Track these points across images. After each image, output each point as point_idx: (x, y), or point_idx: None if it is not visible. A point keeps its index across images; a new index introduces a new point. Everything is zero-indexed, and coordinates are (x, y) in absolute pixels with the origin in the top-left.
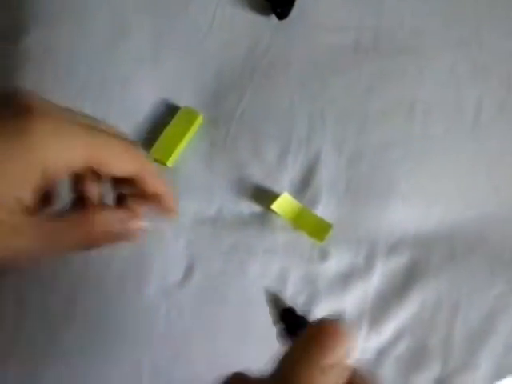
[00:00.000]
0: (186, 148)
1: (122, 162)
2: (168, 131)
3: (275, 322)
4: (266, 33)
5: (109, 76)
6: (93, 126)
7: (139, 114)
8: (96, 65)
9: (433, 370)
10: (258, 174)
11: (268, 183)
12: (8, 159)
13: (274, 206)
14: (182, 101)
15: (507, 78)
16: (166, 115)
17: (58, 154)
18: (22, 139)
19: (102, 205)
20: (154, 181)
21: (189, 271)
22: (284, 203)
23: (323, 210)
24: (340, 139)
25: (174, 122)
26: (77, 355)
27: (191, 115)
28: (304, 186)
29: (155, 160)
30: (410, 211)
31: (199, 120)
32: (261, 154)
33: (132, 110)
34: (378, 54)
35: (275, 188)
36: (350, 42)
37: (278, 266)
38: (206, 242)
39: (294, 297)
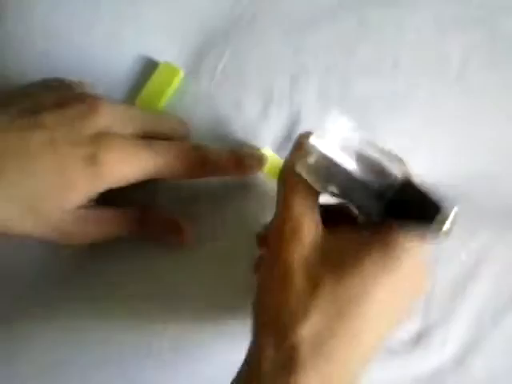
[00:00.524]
0: (167, 104)
1: (179, 174)
2: (148, 87)
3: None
4: None
5: (89, 30)
6: (149, 144)
7: (121, 71)
8: (77, 18)
9: (413, 325)
10: (240, 129)
11: (250, 138)
12: (75, 184)
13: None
14: (164, 56)
15: (493, 30)
16: (148, 71)
17: (120, 179)
18: (92, 169)
19: None
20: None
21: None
22: (270, 161)
23: None
24: (323, 93)
25: (154, 77)
26: None
27: (171, 70)
28: (287, 141)
29: None
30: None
31: (179, 75)
32: (243, 109)
33: (114, 67)
34: (358, 10)
35: (258, 143)
36: None
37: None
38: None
39: None
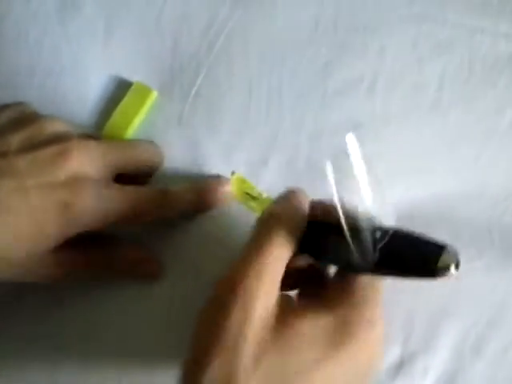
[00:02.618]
0: (140, 126)
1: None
2: (121, 108)
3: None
4: (223, 8)
5: (59, 51)
6: (121, 188)
7: (91, 91)
8: (47, 38)
9: (393, 354)
10: (214, 154)
11: (225, 163)
12: (47, 232)
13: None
14: (136, 77)
15: (469, 55)
16: (120, 92)
17: (93, 225)
18: (64, 216)
19: None
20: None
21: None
22: (237, 183)
23: (281, 189)
24: (298, 117)
25: (127, 98)
26: None
27: (144, 91)
28: (261, 166)
29: (108, 138)
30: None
31: (152, 96)
32: (217, 133)
33: (83, 87)
34: (339, 30)
35: (231, 166)
36: (310, 18)
37: (234, 246)
38: (158, 222)
39: None
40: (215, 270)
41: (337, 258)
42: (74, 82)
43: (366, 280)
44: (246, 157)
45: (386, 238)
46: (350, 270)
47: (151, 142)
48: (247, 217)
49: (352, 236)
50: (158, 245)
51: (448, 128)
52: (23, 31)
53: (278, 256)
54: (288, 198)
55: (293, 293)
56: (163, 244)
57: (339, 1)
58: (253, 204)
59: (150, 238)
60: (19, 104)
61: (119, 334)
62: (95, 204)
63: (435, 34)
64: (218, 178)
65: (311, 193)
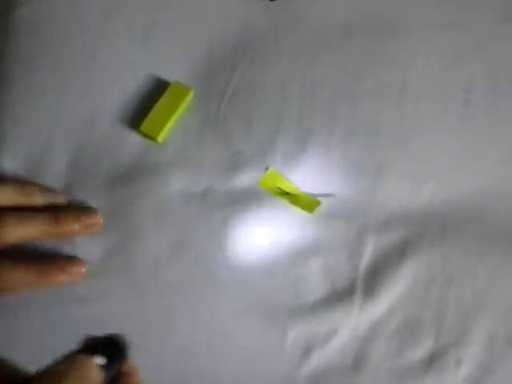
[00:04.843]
0: (176, 124)
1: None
2: (158, 106)
3: None
4: (257, 10)
5: (100, 50)
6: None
7: (130, 89)
8: (87, 39)
9: (425, 346)
10: (249, 151)
11: (259, 160)
12: None
13: (261, 181)
14: (173, 76)
15: (496, 60)
16: (156, 91)
17: None
18: None
19: None
20: None
21: (178, 247)
22: (270, 178)
23: (315, 186)
24: (331, 117)
25: (165, 96)
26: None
27: (182, 90)
28: (295, 163)
29: (145, 135)
30: (402, 188)
31: (190, 95)
32: (252, 131)
33: (122, 85)
34: (369, 34)
35: (266, 164)
36: (341, 21)
37: (269, 240)
38: (195, 218)
39: (286, 268)
40: (254, 266)
41: None
42: (113, 81)
43: None
44: (280, 154)
45: None
46: None
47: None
48: (282, 212)
49: None
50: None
51: (476, 129)
52: (65, 30)
53: None
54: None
55: None
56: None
57: (371, 5)
58: (286, 199)
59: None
60: None
61: None
62: None
63: (463, 41)
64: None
65: (345, 192)
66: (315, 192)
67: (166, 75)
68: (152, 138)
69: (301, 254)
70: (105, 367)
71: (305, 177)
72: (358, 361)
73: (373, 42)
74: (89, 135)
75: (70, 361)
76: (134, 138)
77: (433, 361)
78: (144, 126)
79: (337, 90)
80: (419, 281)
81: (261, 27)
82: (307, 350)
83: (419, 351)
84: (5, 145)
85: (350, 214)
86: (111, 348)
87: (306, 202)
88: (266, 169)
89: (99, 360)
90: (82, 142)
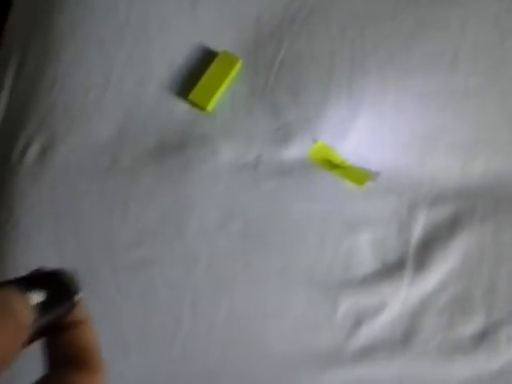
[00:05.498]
0: (224, 93)
1: None
2: (207, 76)
3: None
4: None
5: (148, 19)
6: None
7: (177, 58)
8: (134, 8)
9: (476, 321)
10: (298, 122)
11: (308, 130)
12: None
13: (310, 154)
14: (221, 46)
15: None
16: (205, 60)
17: None
18: None
19: None
20: None
21: (229, 215)
22: (319, 151)
23: (365, 158)
24: (382, 87)
25: (213, 66)
26: (118, 297)
27: (230, 60)
28: (345, 134)
29: (194, 104)
30: (453, 162)
31: (238, 65)
32: (301, 102)
33: (170, 54)
34: (420, 4)
35: (315, 135)
36: None
37: (321, 212)
38: (246, 188)
39: (336, 241)
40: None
41: None
42: (161, 50)
43: None
44: (329, 125)
45: None
46: None
47: None
48: (331, 185)
49: None
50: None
51: None
52: (112, 3)
53: None
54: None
55: None
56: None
57: None
58: (336, 171)
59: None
60: None
61: None
62: None
63: None
64: None
65: (396, 164)
66: (365, 165)
67: (213, 45)
68: (201, 107)
69: (351, 228)
70: (42, 307)
71: (354, 149)
72: (407, 335)
73: (423, 9)
74: (137, 104)
75: None
76: (182, 107)
77: (484, 337)
78: (193, 95)
79: (387, 60)
80: (470, 256)
81: None
82: (357, 323)
83: (470, 327)
84: (56, 105)
85: (401, 187)
86: (56, 285)
87: (356, 175)
88: (315, 141)
89: (34, 297)
90: (130, 111)
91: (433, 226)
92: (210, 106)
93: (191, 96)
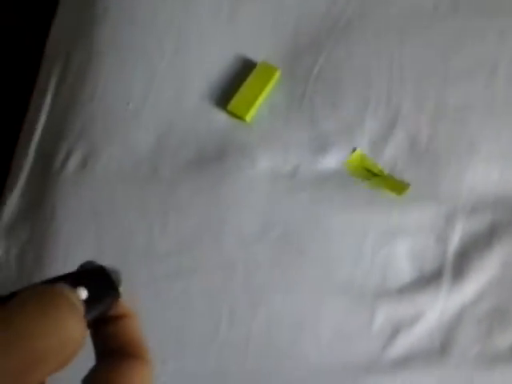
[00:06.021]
0: (263, 103)
1: None
2: (246, 86)
3: None
4: None
5: (186, 30)
6: None
7: (216, 69)
8: (174, 19)
9: None
10: (335, 131)
11: (346, 140)
12: None
13: (348, 163)
14: (259, 56)
15: None
16: (243, 70)
17: None
18: None
19: None
20: None
21: (267, 224)
22: (357, 160)
23: (402, 168)
24: (420, 97)
25: (252, 76)
26: (156, 305)
27: (269, 70)
28: (383, 143)
29: (233, 115)
30: (491, 172)
31: (277, 75)
32: (339, 111)
33: (209, 65)
34: (457, 15)
35: (353, 145)
36: (428, 2)
37: (358, 222)
38: (284, 197)
39: (374, 251)
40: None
41: None
42: (200, 61)
43: None
44: (367, 135)
45: None
46: None
47: None
48: (369, 195)
49: None
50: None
51: None
52: (152, 13)
53: None
54: None
55: None
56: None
57: None
58: (374, 181)
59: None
60: None
61: None
62: None
63: None
64: None
65: (434, 174)
66: (402, 175)
67: (252, 55)
68: (240, 117)
69: (388, 237)
70: (88, 302)
71: (392, 159)
72: (445, 345)
73: (461, 20)
74: (176, 114)
75: (40, 290)
76: (221, 118)
77: None
78: (232, 106)
79: (425, 70)
80: (508, 265)
81: (347, 10)
82: (394, 333)
83: (509, 337)
84: (96, 115)
85: (439, 197)
86: (99, 281)
87: (395, 185)
88: (353, 150)
89: (81, 293)
90: (169, 121)
91: (470, 236)
92: (249, 117)
93: (230, 106)
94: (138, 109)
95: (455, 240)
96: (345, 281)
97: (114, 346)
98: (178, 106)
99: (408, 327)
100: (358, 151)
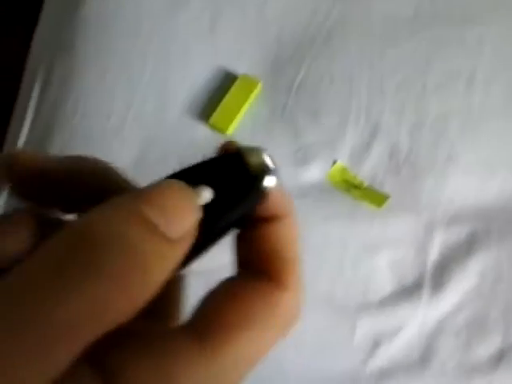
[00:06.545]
0: (245, 116)
1: None
2: (227, 99)
3: None
4: (324, 2)
5: (168, 43)
6: None
7: (197, 82)
8: (155, 31)
9: (494, 342)
10: (317, 143)
11: (327, 152)
12: None
13: (329, 175)
14: (241, 69)
15: None
16: (224, 83)
17: None
18: None
19: None
20: None
21: None
22: (338, 172)
23: (383, 179)
24: (400, 108)
25: (233, 89)
26: None
27: (250, 83)
28: (364, 155)
29: (214, 128)
30: (470, 182)
31: (258, 88)
32: (320, 123)
33: (190, 78)
34: (437, 23)
35: (334, 157)
36: (408, 10)
37: (339, 234)
38: None
39: (355, 264)
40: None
41: None
42: (182, 74)
43: None
44: (347, 147)
45: None
46: None
47: None
48: (350, 207)
49: None
50: None
51: None
52: (135, 26)
53: None
54: None
55: None
56: None
57: None
58: (354, 192)
59: None
60: None
61: None
62: None
63: None
64: None
65: (413, 185)
66: (382, 186)
67: (233, 67)
68: (221, 130)
69: (369, 249)
70: (214, 205)
71: (373, 170)
72: (425, 356)
73: (439, 29)
74: (158, 128)
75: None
76: (203, 131)
77: (502, 358)
78: (213, 120)
79: (405, 80)
80: (487, 276)
81: (328, 21)
82: (375, 345)
83: (488, 348)
84: (78, 130)
85: (419, 208)
86: (233, 173)
87: (375, 197)
88: (334, 162)
89: (204, 193)
90: (151, 135)
91: (449, 247)
92: (230, 130)
93: (211, 121)
94: (119, 123)
95: (434, 251)
96: (326, 294)
97: (256, 260)
98: (160, 119)
99: (389, 339)
100: (339, 163)
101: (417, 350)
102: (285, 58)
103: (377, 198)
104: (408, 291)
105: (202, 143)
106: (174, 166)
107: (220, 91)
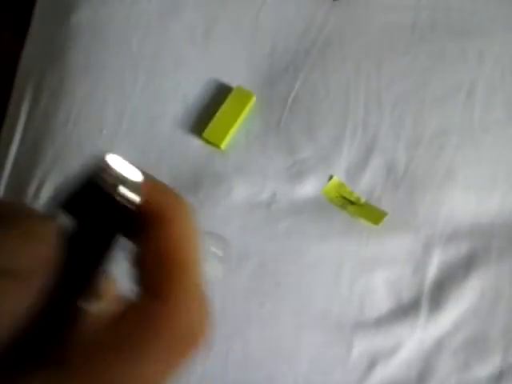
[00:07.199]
0: (239, 130)
1: None
2: (221, 112)
3: None
4: (320, 12)
5: (161, 54)
6: None
7: (191, 93)
8: (148, 42)
9: (493, 362)
10: (312, 159)
11: (323, 168)
12: None
13: (325, 191)
14: (235, 81)
15: None
16: (218, 95)
17: None
18: None
19: None
20: None
21: (243, 255)
22: (334, 188)
23: (380, 195)
24: (397, 123)
25: (227, 102)
26: None
27: (245, 96)
28: (360, 171)
29: (208, 142)
30: (469, 199)
31: (252, 101)
32: (315, 138)
33: (183, 89)
34: (436, 35)
35: (330, 172)
36: (406, 22)
37: (335, 252)
38: (260, 227)
39: (351, 281)
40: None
41: None
42: (175, 85)
43: None
44: (344, 162)
45: None
46: None
47: None
48: (346, 223)
49: None
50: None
51: None
52: (126, 37)
53: None
54: None
55: None
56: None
57: (435, 5)
58: (350, 208)
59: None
60: None
61: None
62: None
63: None
64: None
65: (411, 202)
66: (379, 202)
67: (227, 79)
68: (215, 145)
69: (366, 267)
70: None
71: (370, 186)
72: (422, 376)
73: (438, 42)
74: (150, 141)
75: None
76: (196, 145)
77: (501, 377)
78: (207, 133)
79: (403, 95)
80: (486, 295)
81: (324, 31)
82: (371, 365)
83: (487, 367)
84: (70, 142)
85: (416, 225)
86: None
87: (372, 213)
88: (330, 177)
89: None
90: (143, 148)
91: (448, 265)
92: (224, 144)
93: (205, 134)
94: (111, 135)
95: (432, 270)
96: (322, 312)
97: (142, 276)
98: (152, 132)
99: (385, 358)
100: (335, 179)
101: (414, 369)
102: (279, 70)
103: (374, 214)
104: (405, 310)
105: (194, 157)
106: (166, 180)
107: (213, 103)
